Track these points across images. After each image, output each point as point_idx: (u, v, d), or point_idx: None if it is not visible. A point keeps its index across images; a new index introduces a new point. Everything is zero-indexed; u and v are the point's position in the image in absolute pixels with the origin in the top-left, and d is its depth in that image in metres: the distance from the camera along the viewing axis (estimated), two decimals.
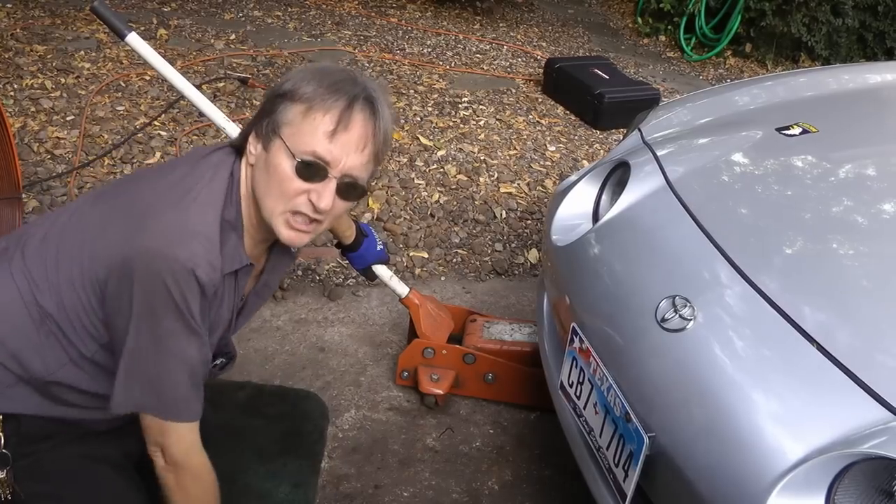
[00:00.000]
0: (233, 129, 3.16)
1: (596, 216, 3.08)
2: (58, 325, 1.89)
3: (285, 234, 1.94)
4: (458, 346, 3.57)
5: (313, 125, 1.86)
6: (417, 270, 4.48)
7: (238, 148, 2.03)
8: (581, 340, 2.60)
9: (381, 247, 3.20)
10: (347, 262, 3.20)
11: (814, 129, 3.16)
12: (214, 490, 2.06)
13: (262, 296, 2.28)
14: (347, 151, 1.88)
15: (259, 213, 1.97)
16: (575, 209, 3.15)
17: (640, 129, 3.42)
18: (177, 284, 1.77)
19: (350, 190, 1.95)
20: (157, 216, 1.83)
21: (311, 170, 1.87)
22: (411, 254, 4.57)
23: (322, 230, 2.05)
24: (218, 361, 2.18)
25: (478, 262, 4.65)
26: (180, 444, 1.94)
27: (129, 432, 2.05)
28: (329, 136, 1.86)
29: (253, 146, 1.96)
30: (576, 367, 2.65)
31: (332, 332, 3.96)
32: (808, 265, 2.46)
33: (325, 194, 1.89)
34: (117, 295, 1.82)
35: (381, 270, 3.36)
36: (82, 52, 6.29)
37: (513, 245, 4.84)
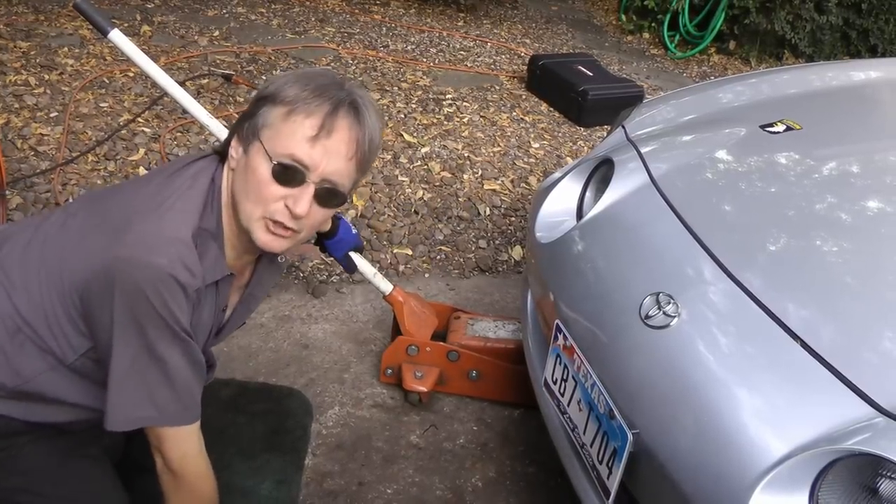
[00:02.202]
0: (216, 126, 3.15)
1: (580, 213, 3.08)
2: (36, 333, 1.86)
3: (262, 237, 1.88)
4: (442, 343, 3.57)
5: (293, 128, 1.81)
6: (401, 267, 4.48)
7: (222, 154, 1.98)
8: (565, 338, 2.61)
9: (355, 230, 3.17)
10: (329, 253, 3.17)
11: (798, 127, 3.16)
12: (212, 497, 2.04)
13: (248, 307, 2.25)
14: (328, 157, 1.83)
15: (239, 220, 1.92)
16: (559, 206, 3.15)
17: (623, 127, 3.42)
18: (157, 292, 1.74)
19: (329, 196, 1.89)
20: (133, 226, 1.79)
21: (289, 173, 1.82)
22: (395, 251, 4.57)
23: (301, 240, 1.99)
24: None
25: (462, 259, 4.65)
26: (176, 450, 1.92)
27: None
28: (310, 140, 1.81)
29: (234, 149, 1.92)
30: (560, 364, 2.65)
31: (316, 329, 3.95)
32: (792, 262, 2.46)
33: (301, 200, 1.83)
34: (98, 307, 1.79)
35: (364, 267, 3.36)
36: (66, 49, 6.27)
37: (497, 242, 4.84)
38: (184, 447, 1.93)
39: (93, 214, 1.92)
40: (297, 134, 1.81)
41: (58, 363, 1.89)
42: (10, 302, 1.87)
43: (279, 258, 2.21)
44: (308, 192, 1.84)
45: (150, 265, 1.73)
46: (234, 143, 1.93)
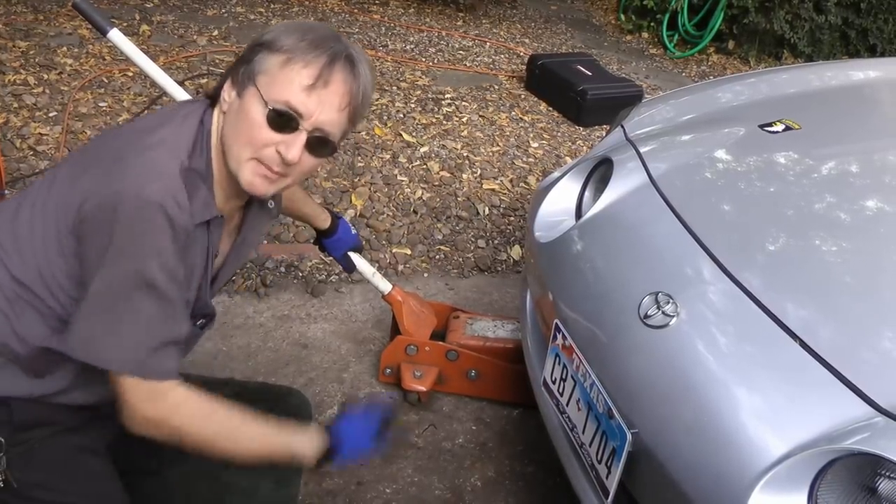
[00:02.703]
0: None
1: (579, 213, 3.08)
2: (34, 294, 1.86)
3: (248, 179, 1.90)
4: (441, 342, 3.57)
5: (290, 76, 1.83)
6: (400, 267, 4.48)
7: (213, 98, 1.99)
8: (564, 337, 2.60)
9: (354, 231, 3.21)
10: (328, 253, 3.20)
11: (797, 126, 3.16)
12: (206, 405, 1.98)
13: (241, 254, 2.25)
14: (322, 107, 1.85)
15: (227, 163, 1.93)
16: (558, 206, 3.15)
17: (622, 126, 3.41)
18: (144, 225, 1.75)
19: (320, 145, 1.91)
20: (124, 160, 1.81)
21: (282, 120, 1.84)
22: (394, 250, 4.57)
23: (288, 185, 2.00)
24: (199, 322, 2.13)
25: (461, 259, 4.65)
26: (137, 394, 1.85)
27: (110, 421, 2.03)
28: (306, 89, 1.83)
29: (227, 93, 1.93)
30: (559, 363, 2.65)
31: (315, 329, 3.95)
32: (791, 262, 2.46)
33: (293, 146, 1.85)
34: (89, 241, 1.79)
35: (363, 266, 3.36)
36: (65, 48, 6.27)
37: (496, 241, 4.84)
38: (144, 391, 1.87)
39: (82, 158, 1.93)
40: (293, 82, 1.83)
41: (60, 323, 1.89)
42: (5, 269, 1.87)
43: (269, 204, 2.23)
44: (300, 139, 1.86)
45: (138, 196, 1.74)
46: (227, 86, 1.94)
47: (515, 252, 4.76)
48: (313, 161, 1.95)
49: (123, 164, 1.80)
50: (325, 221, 3.04)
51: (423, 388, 3.48)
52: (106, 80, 5.88)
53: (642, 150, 3.08)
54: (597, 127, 6.60)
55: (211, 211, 1.94)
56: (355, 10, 8.58)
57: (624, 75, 7.79)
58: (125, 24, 6.99)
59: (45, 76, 5.79)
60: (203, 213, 1.91)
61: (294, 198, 2.88)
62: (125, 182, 1.76)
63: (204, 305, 2.11)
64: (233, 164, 1.91)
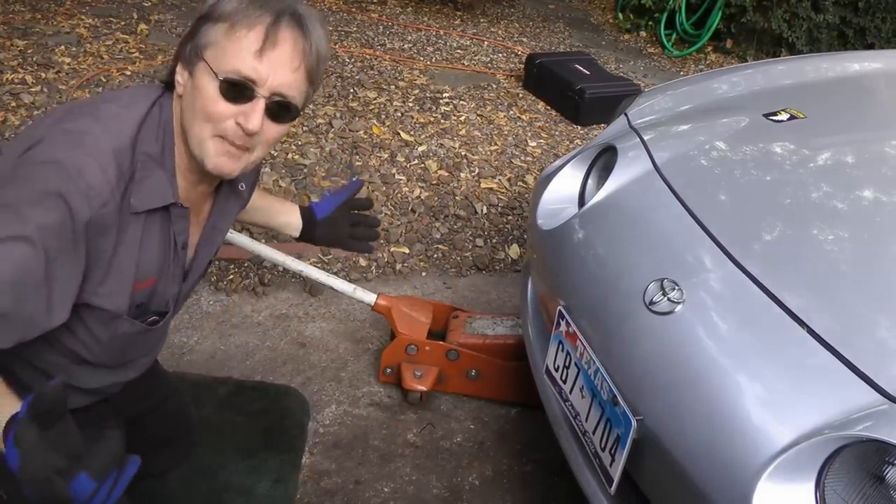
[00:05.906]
0: None
1: (582, 201, 3.07)
2: None
3: (213, 160, 1.82)
4: (441, 342, 3.56)
5: (238, 44, 1.76)
6: (398, 266, 4.45)
7: (168, 84, 1.92)
8: (567, 324, 2.59)
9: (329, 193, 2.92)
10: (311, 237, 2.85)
11: (801, 115, 3.14)
12: None
13: (212, 242, 2.16)
14: (275, 69, 1.78)
15: (190, 147, 1.86)
16: (560, 193, 3.14)
17: (626, 114, 3.40)
18: (46, 175, 1.67)
19: (282, 111, 1.84)
20: (59, 125, 1.76)
21: (237, 90, 1.77)
22: (392, 249, 4.55)
23: (254, 160, 1.91)
24: (150, 318, 2.02)
25: (459, 258, 4.63)
26: None
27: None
28: (256, 54, 1.75)
29: (180, 75, 1.86)
30: (562, 350, 2.63)
31: (313, 328, 3.93)
32: (797, 249, 2.45)
33: (253, 115, 1.77)
34: None
35: (343, 286, 3.39)
36: (63, 47, 6.26)
37: (494, 240, 4.82)
38: None
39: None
40: (241, 49, 1.76)
41: None
42: None
43: (239, 187, 2.16)
44: (259, 107, 1.79)
45: (54, 156, 1.70)
46: (178, 69, 1.87)
47: (513, 251, 4.75)
48: (277, 129, 1.88)
49: (56, 129, 1.75)
50: (295, 228, 2.81)
51: (423, 388, 3.47)
52: (104, 80, 5.86)
53: (646, 137, 3.06)
54: (595, 126, 6.60)
55: (165, 196, 1.87)
56: (353, 9, 8.58)
57: (622, 74, 7.80)
58: (123, 23, 6.95)
59: (43, 75, 5.78)
60: (154, 198, 1.85)
61: (265, 208, 2.69)
62: (53, 144, 1.72)
63: (160, 301, 2.03)
64: (195, 148, 1.83)
